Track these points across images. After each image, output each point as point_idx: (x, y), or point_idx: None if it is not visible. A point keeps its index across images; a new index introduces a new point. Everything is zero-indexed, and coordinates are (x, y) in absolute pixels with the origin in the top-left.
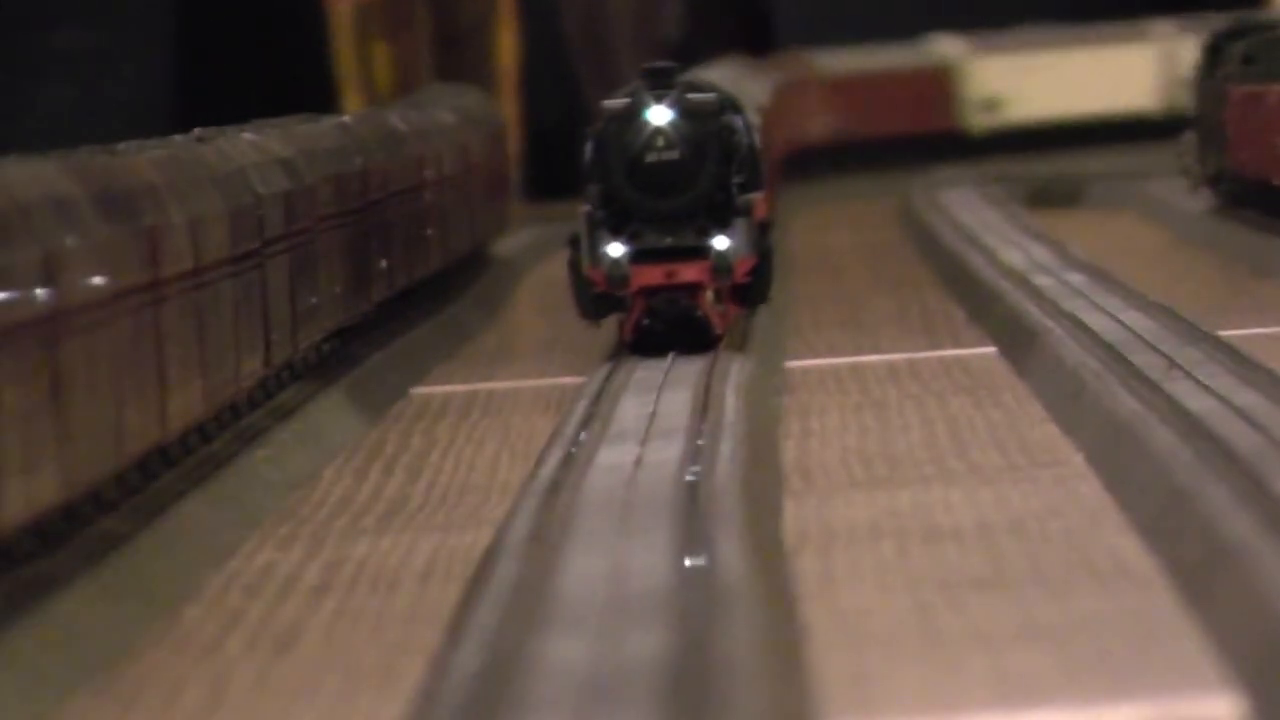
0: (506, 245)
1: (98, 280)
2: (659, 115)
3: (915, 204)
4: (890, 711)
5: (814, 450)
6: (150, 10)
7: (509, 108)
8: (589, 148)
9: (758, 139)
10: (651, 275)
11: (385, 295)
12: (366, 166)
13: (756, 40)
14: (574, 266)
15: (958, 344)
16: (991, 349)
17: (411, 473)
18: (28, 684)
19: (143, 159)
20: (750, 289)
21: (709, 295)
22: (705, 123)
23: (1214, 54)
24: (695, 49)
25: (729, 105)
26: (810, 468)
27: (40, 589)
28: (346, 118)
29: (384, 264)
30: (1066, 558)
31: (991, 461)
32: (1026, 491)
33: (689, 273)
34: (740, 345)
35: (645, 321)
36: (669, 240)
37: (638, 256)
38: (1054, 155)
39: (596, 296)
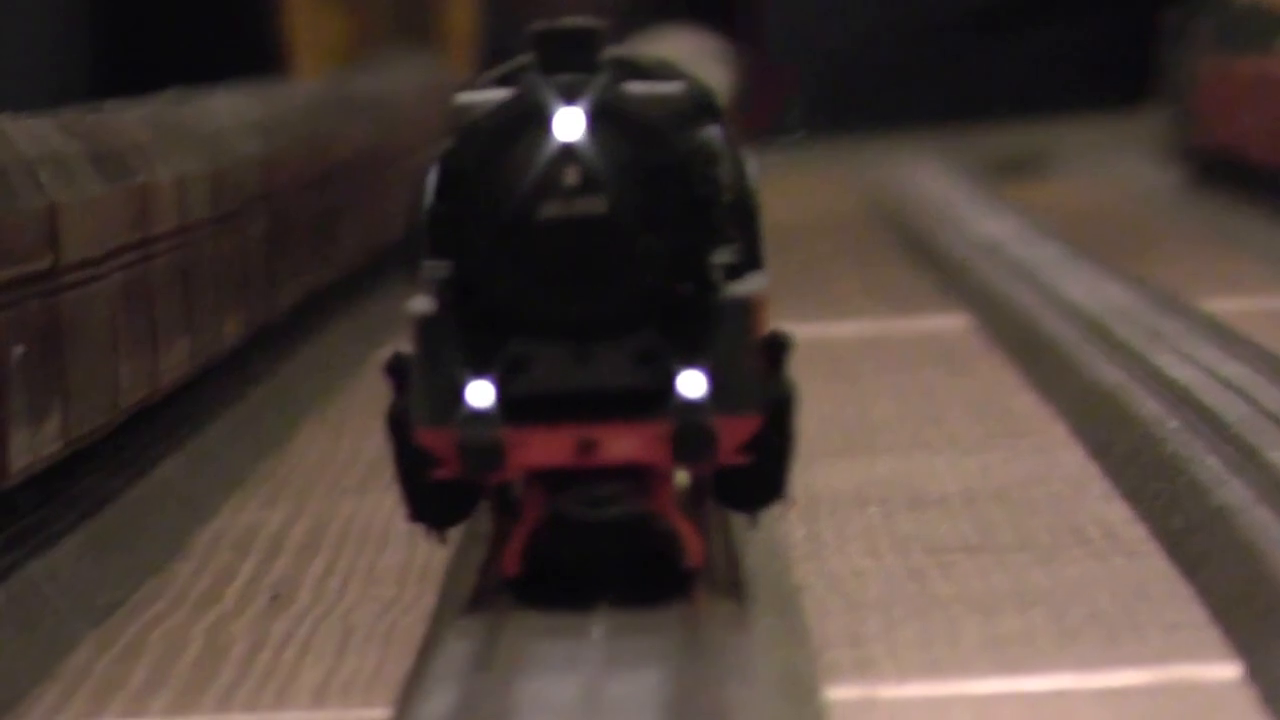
0: None
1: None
2: (568, 125)
3: (878, 175)
4: (889, 671)
5: None
6: None
7: (464, 73)
8: (429, 184)
9: (754, 170)
10: (552, 447)
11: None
12: (322, 134)
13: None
14: (395, 425)
15: (929, 313)
16: (964, 318)
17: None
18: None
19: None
20: (753, 477)
21: (679, 486)
22: (660, 142)
23: (1186, 28)
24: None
25: (704, 106)
26: None
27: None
28: (297, 84)
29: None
30: (1053, 524)
31: (972, 431)
32: (1008, 458)
33: (624, 444)
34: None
35: (545, 540)
36: (584, 377)
37: (523, 409)
38: (1022, 127)
39: (439, 487)
